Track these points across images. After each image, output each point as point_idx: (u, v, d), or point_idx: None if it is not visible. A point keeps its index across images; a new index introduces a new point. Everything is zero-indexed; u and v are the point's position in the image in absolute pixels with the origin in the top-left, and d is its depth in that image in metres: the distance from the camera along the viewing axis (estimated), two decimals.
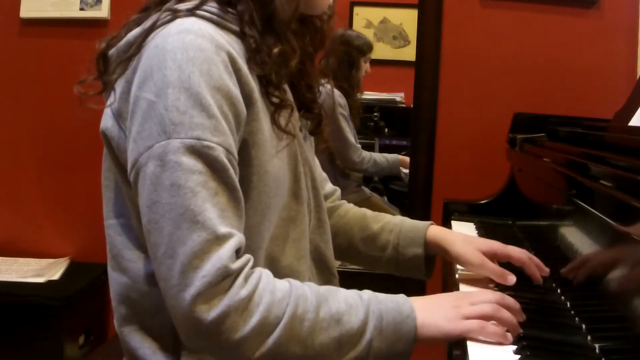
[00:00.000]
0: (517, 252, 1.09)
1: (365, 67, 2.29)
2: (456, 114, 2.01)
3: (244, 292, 0.75)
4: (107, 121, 0.87)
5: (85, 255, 2.21)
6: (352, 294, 0.83)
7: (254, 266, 0.80)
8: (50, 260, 2.18)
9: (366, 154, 2.32)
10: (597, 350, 0.83)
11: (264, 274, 0.80)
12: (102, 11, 2.13)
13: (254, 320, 0.75)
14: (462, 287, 1.04)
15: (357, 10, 2.32)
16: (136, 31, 0.85)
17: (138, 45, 0.83)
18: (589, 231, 1.00)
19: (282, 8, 0.87)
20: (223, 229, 0.76)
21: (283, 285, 0.80)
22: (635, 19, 1.90)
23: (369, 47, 2.29)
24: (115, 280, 0.90)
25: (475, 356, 0.79)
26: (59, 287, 2.00)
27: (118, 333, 0.91)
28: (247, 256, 0.80)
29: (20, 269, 2.10)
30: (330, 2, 0.98)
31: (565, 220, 1.15)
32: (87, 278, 2.09)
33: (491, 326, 0.83)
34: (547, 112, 1.71)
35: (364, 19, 2.32)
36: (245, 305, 0.75)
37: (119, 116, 0.85)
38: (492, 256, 1.08)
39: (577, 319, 0.94)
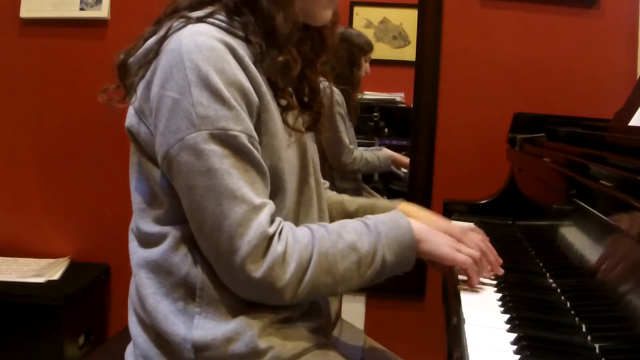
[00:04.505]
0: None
1: (366, 66, 2.28)
2: (456, 114, 2.01)
3: (280, 248, 0.91)
4: (131, 119, 0.97)
5: (85, 255, 2.21)
6: (358, 224, 0.99)
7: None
8: (50, 260, 2.18)
9: (357, 153, 2.30)
10: (597, 350, 0.83)
11: (288, 227, 0.95)
12: (102, 11, 2.13)
13: (291, 267, 0.91)
14: (463, 293, 1.04)
15: (357, 10, 2.31)
16: (152, 39, 0.96)
17: (156, 50, 0.93)
18: (589, 231, 1.00)
19: (281, 25, 0.96)
20: (258, 199, 0.90)
21: (305, 232, 0.95)
22: (635, 19, 1.90)
23: (369, 46, 2.29)
24: (137, 251, 1.01)
25: (475, 357, 0.79)
26: (59, 287, 1.99)
27: (138, 300, 0.99)
28: (278, 219, 0.94)
29: (20, 269, 2.10)
30: (330, 15, 1.04)
31: (565, 220, 1.15)
32: (87, 278, 2.10)
33: (476, 268, 1.02)
34: (547, 112, 1.71)
35: (364, 19, 2.31)
36: (282, 257, 0.90)
37: (141, 113, 0.95)
38: None
39: (577, 319, 0.94)
